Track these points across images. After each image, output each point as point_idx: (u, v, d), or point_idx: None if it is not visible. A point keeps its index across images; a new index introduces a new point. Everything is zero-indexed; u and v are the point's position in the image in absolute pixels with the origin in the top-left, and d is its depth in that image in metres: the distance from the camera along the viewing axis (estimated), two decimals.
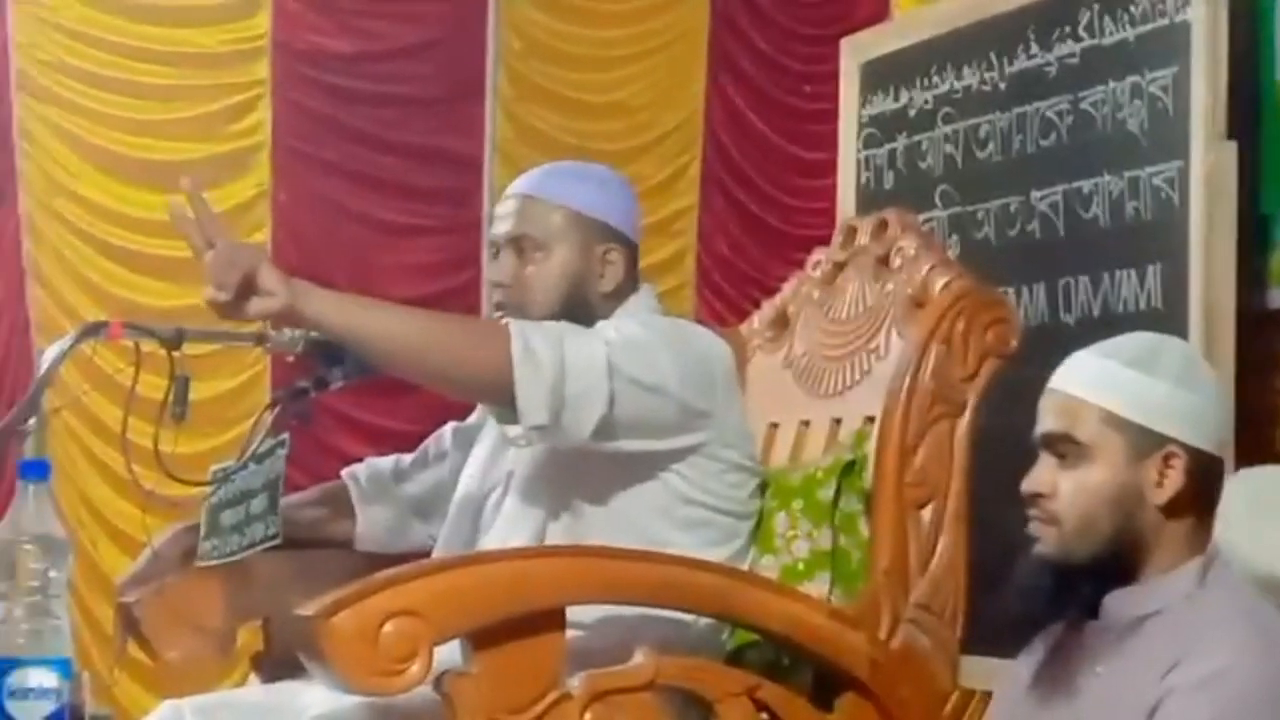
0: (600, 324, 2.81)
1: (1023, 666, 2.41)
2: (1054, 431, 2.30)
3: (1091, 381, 2.30)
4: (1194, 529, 2.28)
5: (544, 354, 2.61)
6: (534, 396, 2.61)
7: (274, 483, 2.62)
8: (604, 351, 2.67)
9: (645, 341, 2.73)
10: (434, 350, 2.62)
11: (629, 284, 2.96)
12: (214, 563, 2.73)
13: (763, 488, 2.87)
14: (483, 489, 2.94)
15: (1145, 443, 2.26)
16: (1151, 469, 2.25)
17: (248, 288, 2.52)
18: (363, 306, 2.65)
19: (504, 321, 2.66)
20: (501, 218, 2.96)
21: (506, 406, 2.63)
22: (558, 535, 2.79)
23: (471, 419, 3.12)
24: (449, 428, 3.15)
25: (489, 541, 2.85)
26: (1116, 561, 2.26)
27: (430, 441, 3.15)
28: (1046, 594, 2.29)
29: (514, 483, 2.86)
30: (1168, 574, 2.26)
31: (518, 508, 2.84)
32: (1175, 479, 2.25)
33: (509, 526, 2.84)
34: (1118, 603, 2.27)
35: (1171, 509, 2.26)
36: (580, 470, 2.77)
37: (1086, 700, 2.27)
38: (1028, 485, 2.31)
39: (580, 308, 2.89)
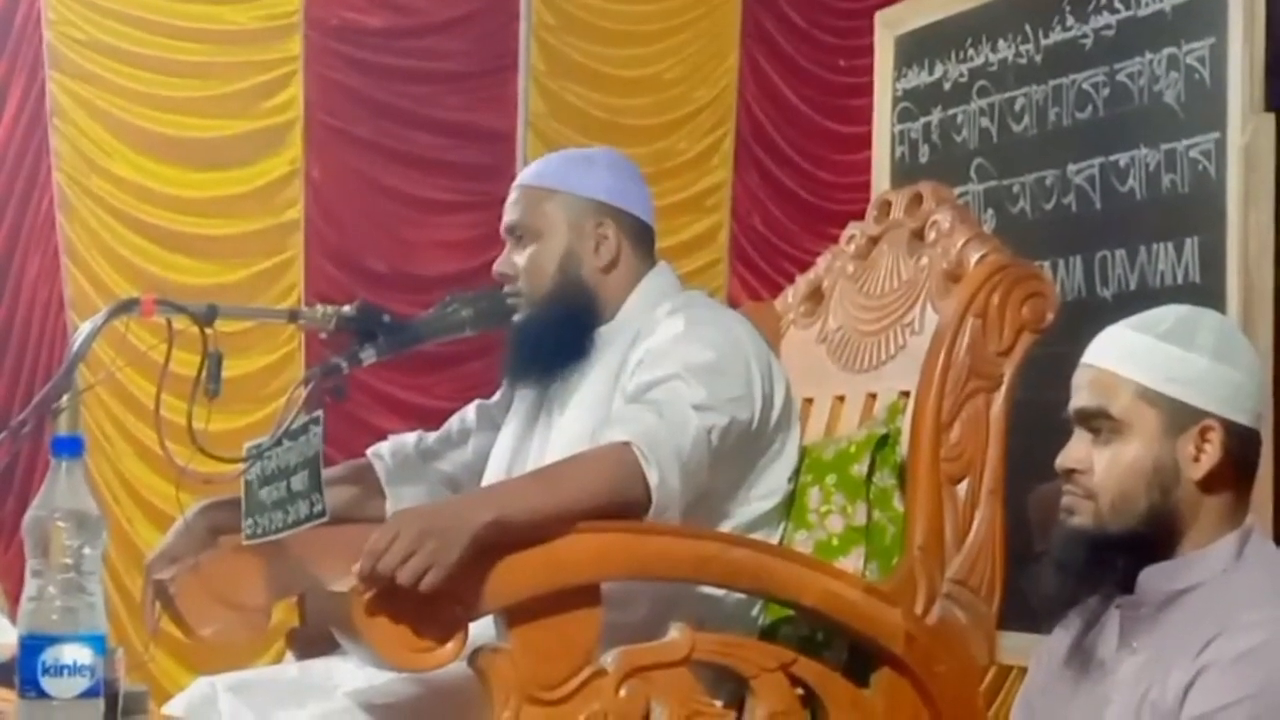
0: (660, 353, 2.78)
1: (1057, 641, 2.39)
2: (1088, 407, 2.28)
3: (1126, 356, 2.27)
4: (1231, 504, 2.25)
5: (672, 475, 2.60)
6: (672, 507, 2.61)
7: (313, 460, 2.60)
8: (704, 432, 2.66)
9: (710, 368, 2.73)
10: (579, 508, 2.56)
11: (639, 260, 2.96)
12: (259, 540, 2.72)
13: (799, 466, 2.86)
14: (511, 470, 2.92)
15: (1181, 417, 2.23)
16: (1188, 443, 2.23)
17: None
18: (506, 501, 2.56)
19: (625, 445, 2.60)
20: (505, 211, 2.98)
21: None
22: None
23: (495, 398, 3.11)
24: (473, 406, 3.14)
25: None
26: (1153, 536, 2.24)
27: (454, 420, 3.15)
28: (1081, 568, 2.26)
29: (550, 454, 2.84)
30: (1204, 549, 2.23)
31: None
32: (1212, 453, 2.22)
33: None
34: (1153, 578, 2.25)
35: (1208, 484, 2.23)
36: None
37: (1121, 675, 2.25)
38: (1062, 461, 2.29)
39: (575, 287, 2.90)
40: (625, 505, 2.58)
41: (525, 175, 3.01)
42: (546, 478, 2.63)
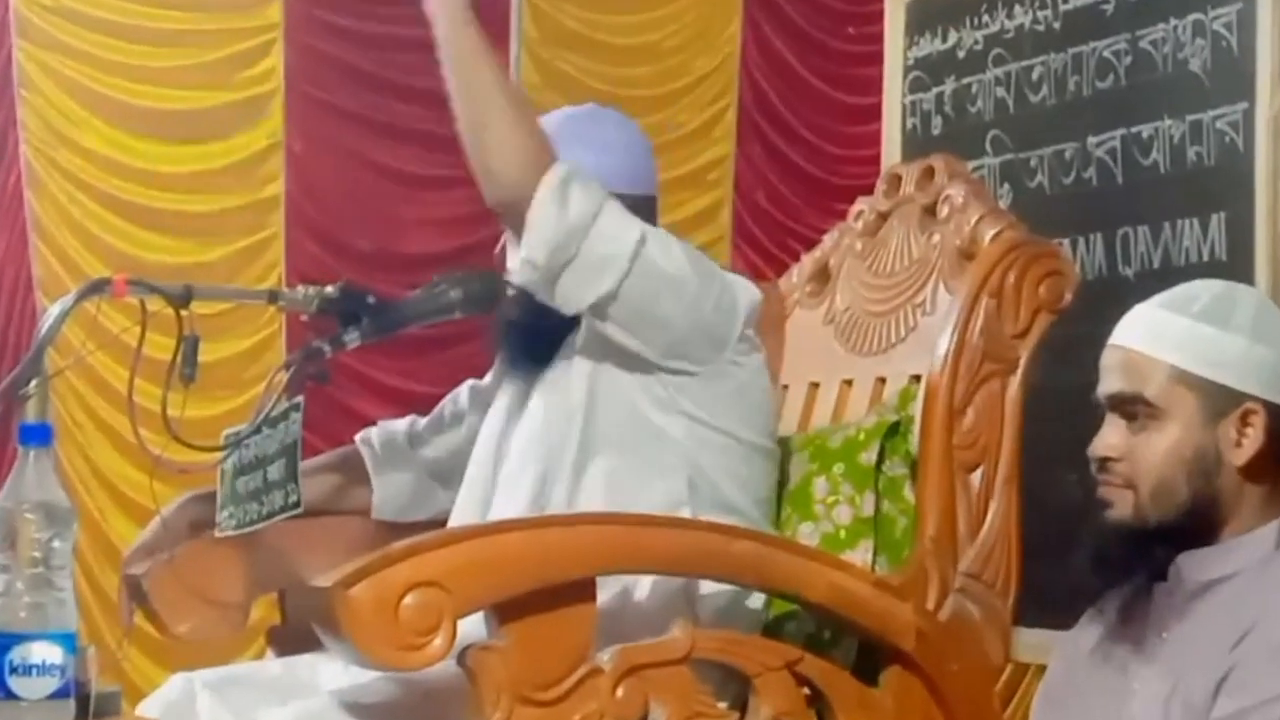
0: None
1: (1083, 628, 2.37)
2: (1122, 391, 2.24)
3: (1159, 336, 2.24)
4: (1272, 490, 2.23)
5: (577, 200, 2.59)
6: (544, 230, 2.59)
7: (291, 448, 2.56)
8: (638, 232, 2.63)
9: (678, 246, 2.70)
10: (488, 111, 2.67)
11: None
12: (232, 533, 2.67)
13: (780, 462, 2.81)
14: (496, 454, 2.85)
15: (1221, 400, 2.20)
16: (1229, 428, 2.20)
17: None
18: (471, 30, 2.75)
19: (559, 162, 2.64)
20: None
21: (514, 220, 2.61)
22: (558, 500, 2.72)
23: (488, 379, 3.05)
24: (465, 387, 3.09)
25: (494, 507, 2.79)
26: (1194, 526, 2.22)
27: (446, 403, 3.09)
28: (1120, 562, 2.24)
29: (515, 439, 2.80)
30: (1243, 537, 2.21)
31: (517, 468, 2.77)
32: (1255, 437, 2.20)
33: (509, 489, 2.77)
34: (1190, 565, 2.23)
35: (1250, 470, 2.21)
36: (583, 432, 2.72)
37: (1151, 664, 2.23)
38: (1096, 449, 2.25)
39: None
40: (513, 151, 2.61)
41: None
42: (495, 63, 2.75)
